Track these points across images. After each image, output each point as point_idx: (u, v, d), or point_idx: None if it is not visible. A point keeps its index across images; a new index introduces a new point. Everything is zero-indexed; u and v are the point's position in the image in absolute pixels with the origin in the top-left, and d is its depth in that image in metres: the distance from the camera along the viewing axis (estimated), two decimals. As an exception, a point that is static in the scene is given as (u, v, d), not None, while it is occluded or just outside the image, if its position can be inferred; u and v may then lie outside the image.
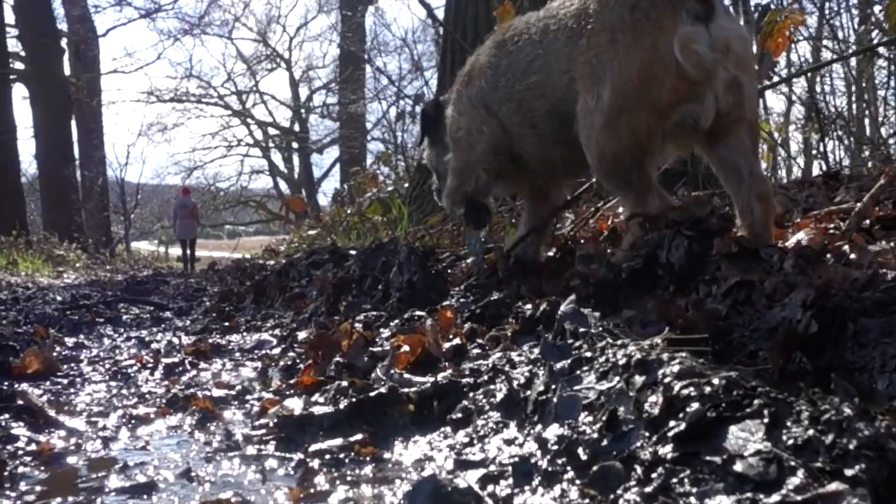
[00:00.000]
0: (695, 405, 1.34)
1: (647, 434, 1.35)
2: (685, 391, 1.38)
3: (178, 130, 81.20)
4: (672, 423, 1.33)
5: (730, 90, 2.82)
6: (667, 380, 1.44)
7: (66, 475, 1.66)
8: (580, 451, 1.40)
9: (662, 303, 2.70)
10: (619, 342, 1.60)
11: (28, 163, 33.45)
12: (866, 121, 13.94)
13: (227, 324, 3.68)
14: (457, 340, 2.12)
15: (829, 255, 2.81)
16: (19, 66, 28.40)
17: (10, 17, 27.73)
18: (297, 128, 41.10)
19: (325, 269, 3.79)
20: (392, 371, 2.02)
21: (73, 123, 29.29)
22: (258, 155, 43.57)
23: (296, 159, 42.41)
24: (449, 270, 3.63)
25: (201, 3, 39.18)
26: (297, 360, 2.62)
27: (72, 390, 2.49)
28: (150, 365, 2.75)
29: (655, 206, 2.94)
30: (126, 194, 37.43)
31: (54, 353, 3.20)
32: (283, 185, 42.72)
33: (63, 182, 27.13)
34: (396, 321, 2.68)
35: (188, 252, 23.90)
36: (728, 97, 2.82)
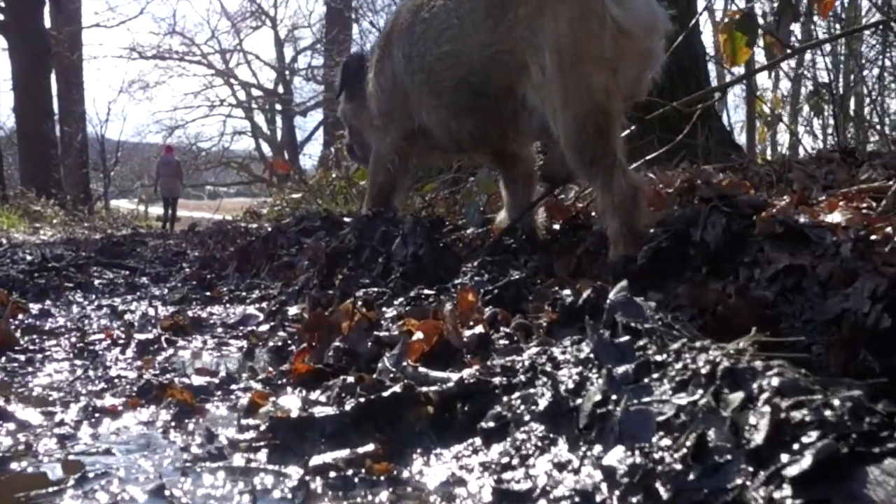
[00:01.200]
0: (813, 434, 1.03)
1: (750, 469, 1.04)
2: (797, 414, 1.07)
3: (160, 88, 79.87)
4: (785, 458, 1.02)
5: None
6: (765, 395, 1.13)
7: (6, 488, 1.34)
8: (660, 485, 1.09)
9: (695, 286, 2.42)
10: (697, 344, 1.29)
11: (6, 116, 32.58)
12: (852, 99, 13.81)
13: (208, 293, 3.33)
14: (479, 328, 1.80)
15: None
16: (-2, 16, 27.50)
17: (-12, -35, 26.86)
18: (280, 89, 40.34)
19: (317, 237, 3.45)
20: (405, 363, 1.70)
21: (53, 77, 28.49)
22: (241, 116, 42.81)
23: (279, 121, 41.71)
24: (459, 244, 3.30)
25: (186, -42, 37.97)
26: (289, 341, 2.30)
27: (29, 369, 2.15)
28: (121, 341, 2.41)
29: (620, 188, 2.72)
30: (106, 151, 36.59)
31: (15, 322, 2.86)
32: (265, 147, 42.06)
33: (42, 137, 26.45)
34: (401, 300, 2.35)
35: (170, 211, 23.57)
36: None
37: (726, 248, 2.48)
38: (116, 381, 1.98)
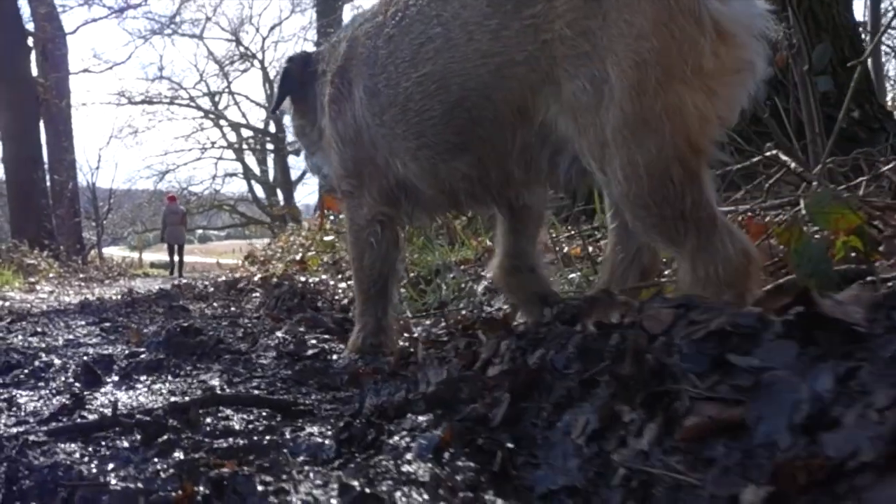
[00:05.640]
0: None
1: None
2: None
3: (149, 133, 77.81)
4: None
5: None
6: None
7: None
8: None
9: None
10: None
11: (-6, 168, 30.42)
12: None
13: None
14: None
15: None
16: (-18, 65, 25.55)
17: (-29, 13, 25.02)
18: (272, 128, 38.45)
19: (628, 346, 1.47)
20: None
21: (42, 126, 26.61)
22: (232, 157, 40.83)
23: (270, 161, 39.82)
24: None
25: (172, 2, 36.28)
26: None
27: None
28: None
29: (729, 254, 1.85)
30: (98, 199, 34.35)
31: None
32: (258, 189, 40.15)
33: (32, 187, 24.57)
34: None
35: (176, 258, 22.74)
36: None
37: None
38: None
